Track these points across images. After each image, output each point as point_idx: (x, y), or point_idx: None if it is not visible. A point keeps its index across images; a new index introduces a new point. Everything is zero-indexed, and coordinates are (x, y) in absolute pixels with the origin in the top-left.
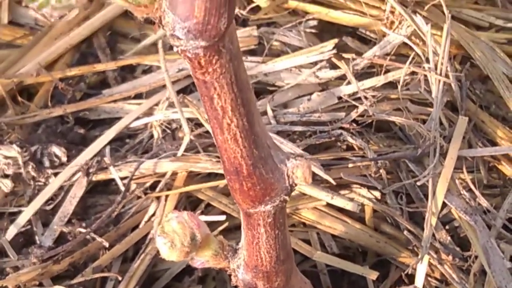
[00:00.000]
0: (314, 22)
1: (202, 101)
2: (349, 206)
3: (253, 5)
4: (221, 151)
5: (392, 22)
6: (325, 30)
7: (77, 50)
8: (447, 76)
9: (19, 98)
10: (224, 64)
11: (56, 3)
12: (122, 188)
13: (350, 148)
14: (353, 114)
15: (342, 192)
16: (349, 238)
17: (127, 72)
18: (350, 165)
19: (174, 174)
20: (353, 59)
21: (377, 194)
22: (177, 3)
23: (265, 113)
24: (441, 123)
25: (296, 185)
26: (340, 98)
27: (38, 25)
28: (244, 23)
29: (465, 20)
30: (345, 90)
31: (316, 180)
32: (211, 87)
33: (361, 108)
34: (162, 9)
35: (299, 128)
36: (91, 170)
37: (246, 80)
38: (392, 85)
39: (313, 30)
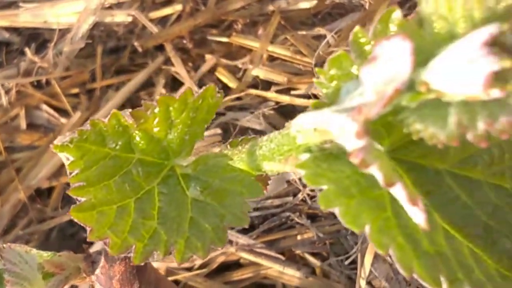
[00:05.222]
0: (272, 104)
1: None
2: (298, 274)
3: None
4: None
5: None
6: (283, 108)
7: None
8: None
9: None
10: None
11: None
12: None
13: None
14: (300, 196)
15: (295, 258)
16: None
17: None
18: (299, 237)
19: None
20: None
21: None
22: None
23: None
24: None
25: None
26: (288, 181)
27: (51, 124)
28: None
29: None
30: (293, 174)
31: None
32: None
33: (305, 191)
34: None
35: (256, 214)
36: None
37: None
38: None
39: (271, 112)
